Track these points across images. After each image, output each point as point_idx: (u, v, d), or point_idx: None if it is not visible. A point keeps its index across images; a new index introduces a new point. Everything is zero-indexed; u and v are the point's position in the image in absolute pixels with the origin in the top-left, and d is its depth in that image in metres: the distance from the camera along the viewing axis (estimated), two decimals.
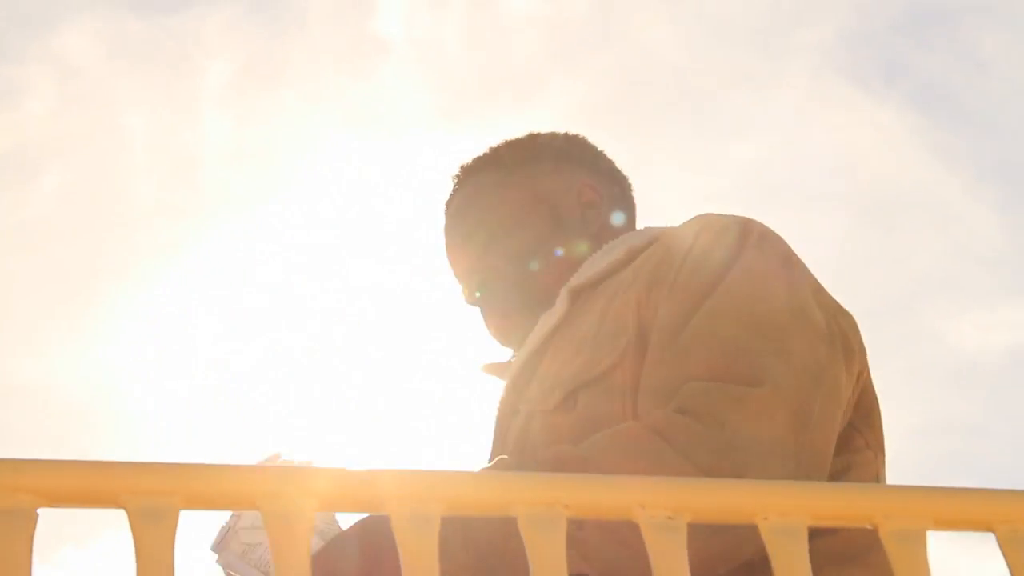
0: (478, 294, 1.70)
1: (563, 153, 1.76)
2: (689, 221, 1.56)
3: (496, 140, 1.81)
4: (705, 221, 1.53)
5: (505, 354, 1.72)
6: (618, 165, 1.83)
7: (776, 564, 1.03)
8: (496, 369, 1.70)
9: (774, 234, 1.53)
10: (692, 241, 1.50)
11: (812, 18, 4.96)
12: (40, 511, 0.95)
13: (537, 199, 1.70)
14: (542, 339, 1.60)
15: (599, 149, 1.82)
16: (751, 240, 1.48)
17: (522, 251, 1.66)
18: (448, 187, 1.80)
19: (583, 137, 1.82)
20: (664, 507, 1.05)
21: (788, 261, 1.50)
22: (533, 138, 1.78)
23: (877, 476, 1.51)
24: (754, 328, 1.40)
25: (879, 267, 5.19)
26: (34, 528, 0.95)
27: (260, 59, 4.86)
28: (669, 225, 1.61)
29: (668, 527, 1.04)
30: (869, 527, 1.07)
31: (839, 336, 1.46)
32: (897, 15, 5.06)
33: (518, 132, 1.81)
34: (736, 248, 1.47)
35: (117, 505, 0.97)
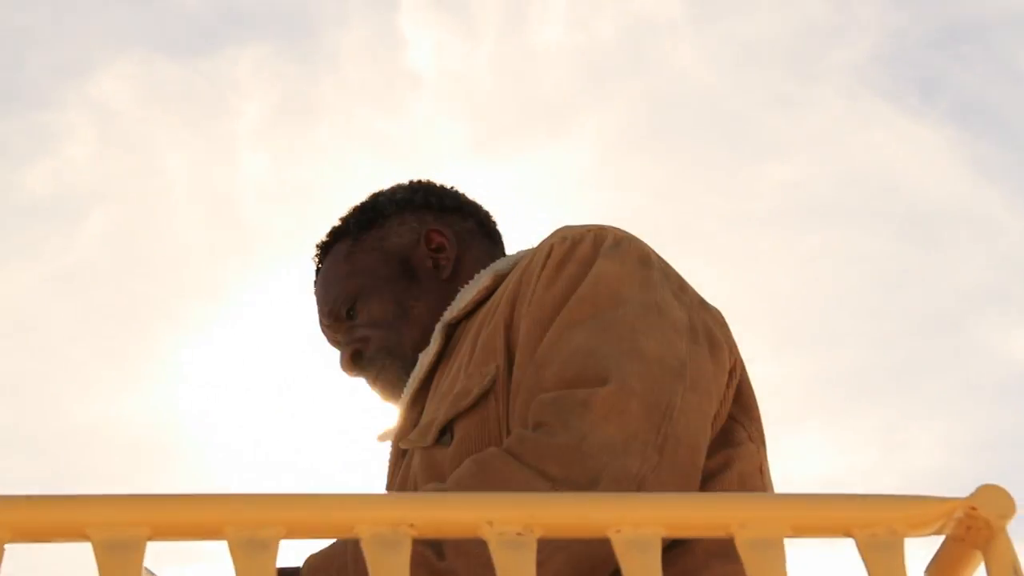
0: (354, 363, 1.72)
1: (405, 204, 1.77)
2: (548, 236, 1.54)
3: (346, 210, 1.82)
4: (561, 234, 1.52)
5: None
6: (469, 198, 1.83)
7: None
8: (390, 433, 1.70)
9: (631, 238, 1.51)
10: (547, 255, 1.49)
11: (845, 38, 4.93)
12: (8, 547, 0.94)
13: (387, 258, 1.72)
14: (422, 379, 1.60)
15: (446, 188, 1.82)
16: (605, 247, 1.47)
17: (383, 314, 1.68)
18: (311, 267, 1.82)
19: (427, 182, 1.82)
20: (513, 523, 1.02)
21: (645, 262, 1.48)
22: (375, 198, 1.79)
23: (760, 468, 1.49)
24: (603, 332, 1.38)
25: (924, 283, 5.12)
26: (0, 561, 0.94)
27: (294, 97, 4.90)
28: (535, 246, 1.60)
29: (518, 544, 1.02)
30: (725, 536, 1.05)
31: (703, 330, 1.45)
32: (931, 31, 5.05)
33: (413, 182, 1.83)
34: (590, 257, 1.46)
35: (83, 538, 0.96)
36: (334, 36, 4.82)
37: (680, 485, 1.31)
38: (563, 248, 1.48)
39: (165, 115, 4.75)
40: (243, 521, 0.99)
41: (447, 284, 1.69)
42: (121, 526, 0.98)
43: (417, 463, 1.50)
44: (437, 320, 1.64)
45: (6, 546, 0.96)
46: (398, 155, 4.72)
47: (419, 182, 1.82)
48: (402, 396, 1.64)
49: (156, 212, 4.72)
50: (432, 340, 1.61)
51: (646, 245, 1.52)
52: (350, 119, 4.86)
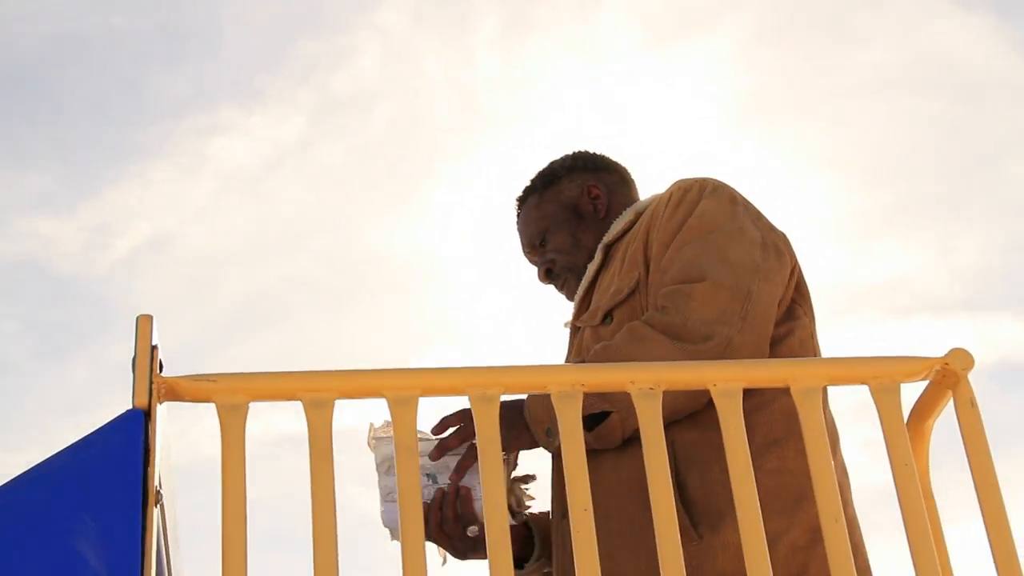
0: (546, 273, 2.38)
1: (572, 167, 2.42)
2: (670, 186, 2.16)
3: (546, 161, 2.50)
4: (678, 184, 2.12)
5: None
6: (613, 159, 2.47)
7: (723, 421, 1.57)
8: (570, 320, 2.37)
9: (724, 185, 2.10)
10: (668, 198, 2.12)
11: None
12: (251, 405, 1.51)
13: (563, 206, 2.37)
14: (589, 280, 2.25)
15: (598, 153, 2.46)
16: (706, 192, 2.07)
17: (564, 243, 2.34)
18: (515, 210, 2.49)
19: (585, 150, 2.47)
20: (647, 382, 1.59)
21: (733, 201, 2.06)
22: (552, 164, 2.45)
23: (812, 333, 2.10)
24: (703, 247, 1.99)
25: (972, 133, 6.98)
26: (246, 416, 1.50)
27: (517, 14, 6.98)
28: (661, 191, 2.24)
29: (650, 395, 1.58)
30: (783, 386, 1.62)
31: (771, 244, 2.04)
32: None
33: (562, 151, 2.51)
34: (696, 199, 2.06)
35: (296, 398, 1.53)
36: None
37: (757, 341, 1.91)
38: (679, 194, 2.11)
39: (426, 33, 6.92)
40: (479, 383, 1.56)
41: (604, 220, 2.34)
42: (405, 388, 1.55)
43: (588, 336, 2.16)
44: (599, 244, 2.29)
45: (337, 401, 1.53)
46: (592, 54, 6.79)
47: (579, 151, 2.47)
48: (577, 293, 2.29)
49: (422, 103, 7.00)
50: (595, 256, 2.27)
51: (734, 189, 2.13)
52: (558, 30, 6.89)
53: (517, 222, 2.46)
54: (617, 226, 2.27)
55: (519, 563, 2.19)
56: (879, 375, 1.62)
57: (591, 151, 2.48)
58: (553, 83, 6.70)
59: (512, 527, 1.79)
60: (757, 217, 2.10)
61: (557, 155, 2.49)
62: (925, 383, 1.68)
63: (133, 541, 1.42)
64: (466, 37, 6.93)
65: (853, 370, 1.64)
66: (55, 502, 1.44)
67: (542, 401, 1.94)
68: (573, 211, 2.37)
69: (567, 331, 2.31)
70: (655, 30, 7.00)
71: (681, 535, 1.51)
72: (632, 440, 1.90)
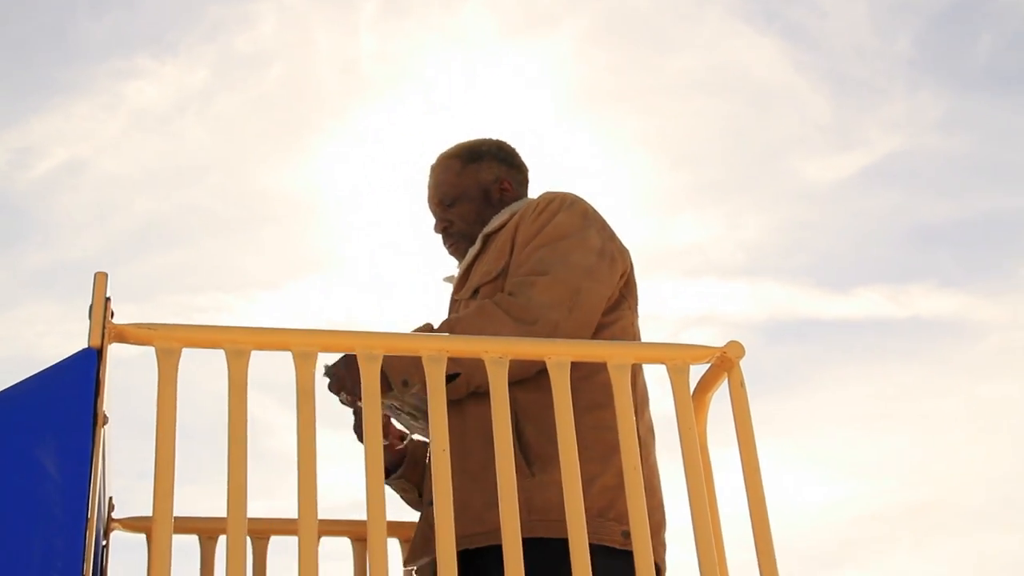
0: (442, 230, 2.80)
1: (496, 155, 2.84)
2: (539, 196, 2.64)
3: (466, 136, 2.91)
4: (544, 196, 2.62)
5: (454, 268, 2.82)
6: (524, 160, 2.90)
7: (554, 387, 2.01)
8: (450, 279, 2.80)
9: (580, 201, 2.59)
10: (535, 207, 2.60)
11: None
12: (184, 350, 1.88)
13: (478, 185, 2.80)
14: (469, 262, 2.71)
15: (516, 151, 2.89)
16: (564, 205, 2.56)
17: (468, 215, 2.77)
18: (434, 157, 2.87)
19: (507, 143, 2.89)
20: (497, 352, 2.03)
21: (585, 215, 2.55)
22: (480, 143, 2.86)
23: (633, 322, 2.58)
24: (552, 249, 2.47)
25: (760, 130, 8.69)
26: (178, 359, 1.86)
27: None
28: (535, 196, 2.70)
29: (499, 363, 2.02)
30: (601, 362, 2.08)
31: (607, 251, 2.52)
32: None
33: (484, 130, 2.93)
34: (556, 210, 2.55)
35: (220, 347, 1.90)
36: None
37: (579, 327, 2.38)
38: (544, 204, 2.59)
39: (318, 8, 8.24)
40: (366, 345, 1.97)
41: (499, 209, 2.76)
42: (307, 345, 1.93)
43: (462, 307, 2.61)
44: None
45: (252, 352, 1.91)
46: (454, 39, 8.20)
47: (504, 143, 2.88)
48: (460, 265, 2.73)
49: (311, 66, 8.37)
50: (477, 242, 2.72)
51: (588, 204, 2.61)
52: (428, 16, 8.23)
53: (432, 174, 2.86)
54: (496, 221, 2.73)
55: (387, 473, 2.63)
56: (674, 358, 2.09)
57: (511, 146, 2.91)
58: (421, 61, 8.24)
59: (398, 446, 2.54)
60: (602, 228, 2.58)
61: (479, 134, 2.90)
62: (708, 365, 2.17)
63: (85, 453, 1.77)
64: (352, 14, 8.46)
65: (655, 352, 2.11)
66: (23, 419, 1.77)
67: (399, 356, 2.35)
68: (484, 193, 2.80)
69: (446, 284, 2.80)
70: (508, 24, 8.45)
71: (517, 472, 1.96)
72: (482, 395, 2.34)
